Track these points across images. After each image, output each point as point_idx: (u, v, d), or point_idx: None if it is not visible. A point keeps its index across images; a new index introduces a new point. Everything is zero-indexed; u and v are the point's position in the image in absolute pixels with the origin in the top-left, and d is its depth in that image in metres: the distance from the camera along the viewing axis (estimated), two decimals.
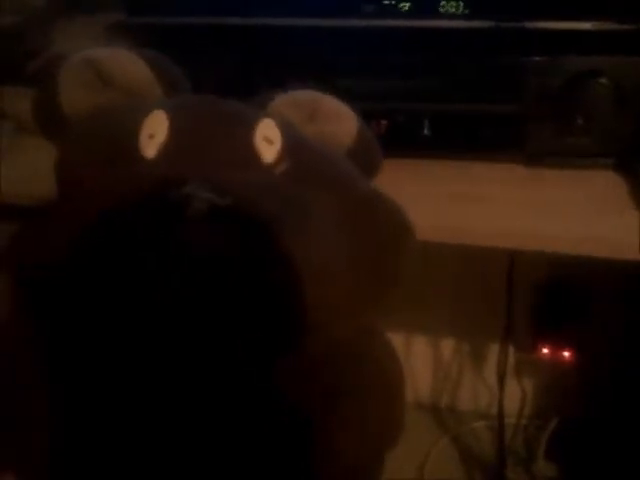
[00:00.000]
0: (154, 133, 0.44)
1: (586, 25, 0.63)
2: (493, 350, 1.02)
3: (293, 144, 0.47)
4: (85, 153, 0.47)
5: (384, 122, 0.68)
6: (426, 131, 0.68)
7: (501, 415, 0.99)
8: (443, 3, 0.65)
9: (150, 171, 0.43)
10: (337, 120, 0.52)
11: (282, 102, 0.52)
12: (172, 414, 0.42)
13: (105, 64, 0.49)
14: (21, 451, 0.47)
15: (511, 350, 0.99)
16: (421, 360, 1.09)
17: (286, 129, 0.47)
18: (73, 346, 0.42)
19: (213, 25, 0.69)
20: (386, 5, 0.66)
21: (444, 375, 1.11)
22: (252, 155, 0.45)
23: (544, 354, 0.98)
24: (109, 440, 0.42)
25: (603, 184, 0.64)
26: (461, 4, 0.65)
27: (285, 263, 0.41)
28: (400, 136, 0.68)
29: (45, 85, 0.50)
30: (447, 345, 1.08)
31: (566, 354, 0.97)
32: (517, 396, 1.01)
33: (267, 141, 0.46)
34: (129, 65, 0.50)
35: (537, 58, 0.63)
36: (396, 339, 1.05)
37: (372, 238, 0.48)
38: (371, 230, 0.48)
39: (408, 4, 0.66)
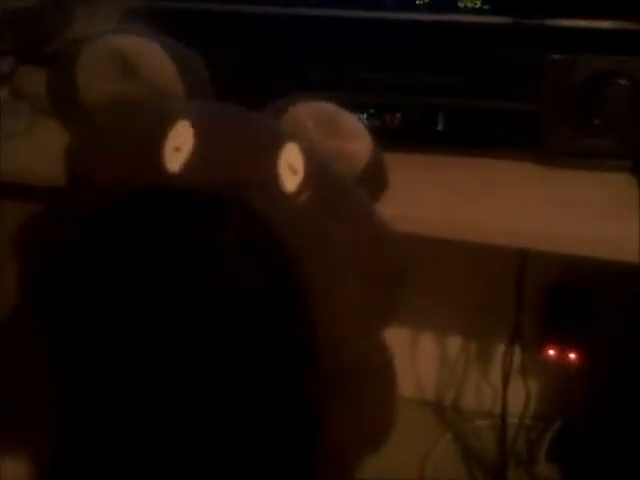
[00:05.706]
0: (179, 146, 0.44)
1: (606, 24, 0.63)
2: (499, 350, 1.01)
3: (315, 174, 0.47)
4: (104, 149, 0.46)
5: (398, 116, 0.67)
6: (440, 126, 0.67)
7: (504, 415, 0.98)
8: None
9: (173, 186, 0.43)
10: (354, 139, 0.52)
11: (303, 111, 0.51)
12: (175, 411, 0.42)
13: (130, 55, 0.47)
14: (22, 447, 0.46)
15: (517, 350, 0.98)
16: (427, 357, 1.09)
17: (309, 155, 0.47)
18: (82, 338, 0.42)
19: (231, 12, 0.69)
20: None
21: (449, 373, 1.10)
22: (274, 183, 0.45)
23: (550, 355, 0.97)
24: (111, 435, 0.42)
25: (619, 186, 0.64)
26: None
27: (308, 296, 0.42)
28: (414, 130, 0.68)
29: (63, 68, 0.49)
30: (453, 343, 1.08)
31: (572, 356, 0.96)
32: (521, 397, 1.00)
33: (291, 169, 0.46)
34: (154, 60, 0.48)
35: (556, 56, 0.63)
36: (403, 336, 1.07)
37: (379, 272, 0.49)
38: (379, 265, 0.50)
39: None
